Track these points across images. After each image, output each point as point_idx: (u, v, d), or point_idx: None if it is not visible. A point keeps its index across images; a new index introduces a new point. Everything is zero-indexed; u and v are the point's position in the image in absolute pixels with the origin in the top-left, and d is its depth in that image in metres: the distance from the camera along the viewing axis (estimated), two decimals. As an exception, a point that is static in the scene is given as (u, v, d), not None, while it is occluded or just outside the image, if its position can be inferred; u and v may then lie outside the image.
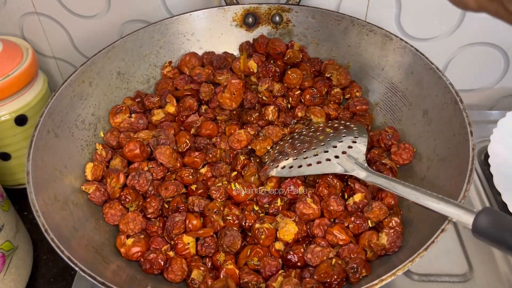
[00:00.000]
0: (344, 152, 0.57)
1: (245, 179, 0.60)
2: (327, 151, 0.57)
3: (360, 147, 0.57)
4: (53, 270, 0.65)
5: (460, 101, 0.55)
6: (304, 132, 0.64)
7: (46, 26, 0.84)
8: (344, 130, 0.61)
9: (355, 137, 0.59)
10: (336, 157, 0.56)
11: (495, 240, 0.40)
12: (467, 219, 0.42)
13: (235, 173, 0.61)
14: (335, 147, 0.58)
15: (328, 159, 0.56)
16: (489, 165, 0.68)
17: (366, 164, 0.54)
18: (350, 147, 0.57)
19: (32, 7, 0.81)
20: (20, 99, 0.68)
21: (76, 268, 0.44)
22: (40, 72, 0.74)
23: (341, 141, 0.58)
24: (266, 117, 0.66)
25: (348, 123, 0.63)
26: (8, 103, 0.67)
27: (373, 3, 0.77)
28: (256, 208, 0.56)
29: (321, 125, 0.65)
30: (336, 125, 0.64)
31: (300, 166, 0.57)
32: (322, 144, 0.59)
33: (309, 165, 0.57)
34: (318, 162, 0.56)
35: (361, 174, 0.53)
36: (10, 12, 0.82)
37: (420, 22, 0.78)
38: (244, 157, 0.62)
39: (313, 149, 0.59)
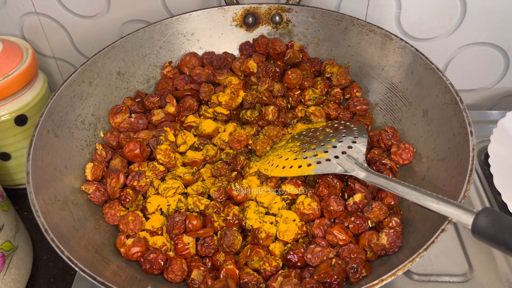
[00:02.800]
0: (344, 152, 0.56)
1: (245, 179, 0.60)
2: (327, 151, 0.57)
3: (360, 147, 0.57)
4: (53, 270, 0.65)
5: (460, 101, 0.55)
6: (304, 132, 0.64)
7: (46, 26, 0.84)
8: (344, 130, 0.61)
9: (355, 137, 0.59)
10: (336, 157, 0.56)
11: (495, 241, 0.40)
12: (467, 219, 0.42)
13: (235, 173, 0.61)
14: (335, 147, 0.58)
15: (328, 159, 0.56)
16: (489, 165, 0.68)
17: (366, 164, 0.54)
18: (350, 147, 0.57)
19: (32, 7, 0.81)
20: (20, 99, 0.68)
21: (76, 268, 0.44)
22: (40, 72, 0.74)
23: (341, 141, 0.58)
24: (266, 117, 0.66)
25: (348, 123, 0.63)
26: (8, 103, 0.67)
27: (373, 3, 0.77)
28: (256, 208, 0.56)
29: (321, 125, 0.65)
30: (336, 125, 0.63)
31: (300, 166, 0.57)
32: (322, 144, 0.59)
33: (309, 165, 0.57)
34: (318, 162, 0.56)
35: (361, 174, 0.53)
36: (10, 12, 0.82)
37: (420, 22, 0.78)
38: (244, 157, 0.62)
39: (313, 149, 0.59)
